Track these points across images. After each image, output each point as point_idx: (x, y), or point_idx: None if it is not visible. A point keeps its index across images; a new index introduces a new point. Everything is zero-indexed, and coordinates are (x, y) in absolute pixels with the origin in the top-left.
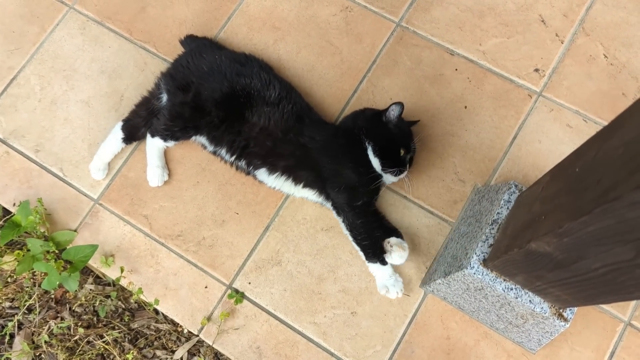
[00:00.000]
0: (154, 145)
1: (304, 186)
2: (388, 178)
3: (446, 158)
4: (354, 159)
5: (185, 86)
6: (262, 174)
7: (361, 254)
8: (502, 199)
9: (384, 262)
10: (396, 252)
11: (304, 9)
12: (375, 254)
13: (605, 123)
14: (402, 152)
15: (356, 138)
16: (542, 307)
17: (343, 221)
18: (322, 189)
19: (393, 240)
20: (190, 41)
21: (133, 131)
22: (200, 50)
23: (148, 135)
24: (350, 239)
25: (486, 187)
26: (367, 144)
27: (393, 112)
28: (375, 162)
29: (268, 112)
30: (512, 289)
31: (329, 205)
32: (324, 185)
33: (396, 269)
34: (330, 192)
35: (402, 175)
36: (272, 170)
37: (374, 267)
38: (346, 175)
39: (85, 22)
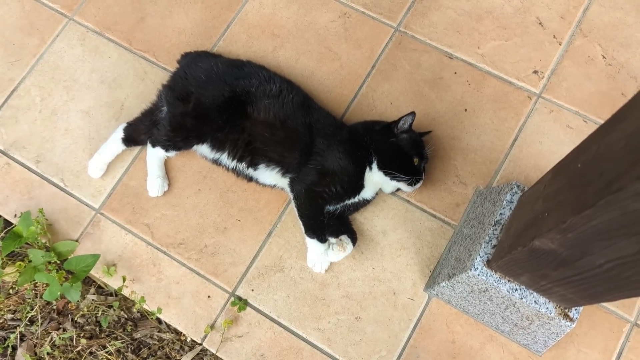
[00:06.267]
0: (154, 154)
1: (280, 166)
2: (394, 186)
3: (447, 161)
4: (347, 153)
5: (184, 97)
6: (263, 172)
7: (302, 226)
8: (505, 200)
9: (322, 240)
10: (335, 251)
11: (303, 16)
12: (315, 232)
13: None
14: (415, 160)
15: (361, 144)
16: (548, 308)
17: (294, 197)
18: (294, 169)
19: (343, 238)
20: (186, 55)
21: (134, 134)
22: (196, 61)
23: (149, 145)
24: (295, 211)
25: (488, 189)
26: (372, 158)
27: (405, 123)
28: (379, 176)
29: (269, 104)
30: (516, 290)
31: (286, 183)
32: (298, 166)
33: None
34: (303, 168)
35: (418, 185)
36: (269, 163)
37: (311, 242)
38: (330, 159)
39: (84, 33)
